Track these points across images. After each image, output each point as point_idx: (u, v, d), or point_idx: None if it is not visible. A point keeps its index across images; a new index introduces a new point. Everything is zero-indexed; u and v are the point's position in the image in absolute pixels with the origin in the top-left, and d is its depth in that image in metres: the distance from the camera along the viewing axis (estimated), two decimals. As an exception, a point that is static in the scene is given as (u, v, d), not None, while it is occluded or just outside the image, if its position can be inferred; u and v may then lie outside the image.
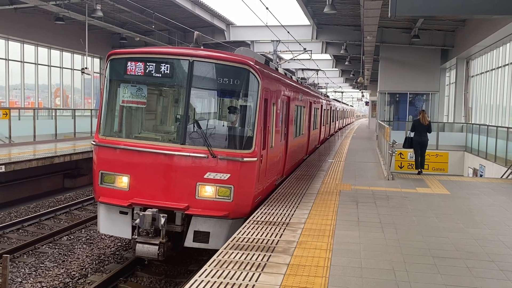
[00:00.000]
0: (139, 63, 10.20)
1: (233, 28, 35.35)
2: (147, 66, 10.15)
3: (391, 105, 37.45)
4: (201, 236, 9.87)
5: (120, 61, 10.43)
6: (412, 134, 16.99)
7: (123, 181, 10.22)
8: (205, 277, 6.42)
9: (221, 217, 9.78)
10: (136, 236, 9.72)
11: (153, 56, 10.28)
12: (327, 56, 48.28)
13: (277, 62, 28.48)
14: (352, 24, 31.10)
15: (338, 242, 8.20)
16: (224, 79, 9.98)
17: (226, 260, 7.08)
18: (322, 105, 27.36)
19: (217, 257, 7.23)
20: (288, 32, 29.12)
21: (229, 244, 7.87)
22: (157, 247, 9.51)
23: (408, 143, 17.06)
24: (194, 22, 31.82)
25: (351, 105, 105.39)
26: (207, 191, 9.83)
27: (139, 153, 10.09)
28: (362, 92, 77.79)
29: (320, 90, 51.07)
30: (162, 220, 9.39)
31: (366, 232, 8.93)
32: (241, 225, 9.29)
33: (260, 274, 6.57)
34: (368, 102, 73.16)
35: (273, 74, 12.26)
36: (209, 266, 6.84)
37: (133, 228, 9.94)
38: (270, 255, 7.37)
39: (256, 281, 6.33)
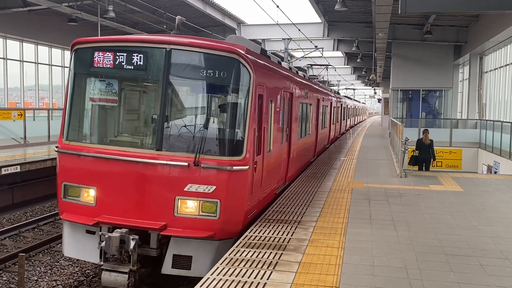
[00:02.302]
0: (107, 53, 8.68)
1: (244, 27, 35.36)
2: (117, 57, 8.62)
3: (403, 102, 37.32)
4: (181, 261, 8.39)
5: (86, 51, 8.87)
6: (416, 153, 18.76)
7: (90, 195, 8.74)
8: (217, 275, 6.45)
9: (205, 238, 8.28)
10: (102, 262, 8.32)
11: (124, 44, 8.73)
12: (338, 54, 48.15)
13: (289, 60, 28.43)
14: (364, 21, 30.96)
15: (350, 240, 8.20)
16: (208, 71, 8.35)
17: (238, 258, 7.11)
18: (331, 103, 26.39)
19: (229, 255, 7.25)
20: (299, 30, 29.07)
21: (240, 242, 7.90)
22: (126, 275, 8.12)
23: (413, 161, 18.68)
24: (205, 21, 31.87)
25: (363, 102, 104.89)
26: (189, 207, 8.32)
27: (107, 161, 8.59)
28: (374, 89, 77.59)
29: (332, 87, 50.88)
30: (132, 244, 7.98)
31: (378, 230, 8.91)
32: (230, 247, 7.90)
33: (272, 272, 6.59)
34: (380, 99, 72.87)
35: (271, 66, 10.73)
36: (221, 264, 6.87)
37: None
38: (282, 253, 7.39)
39: (268, 279, 6.35)
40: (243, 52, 8.51)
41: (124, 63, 8.61)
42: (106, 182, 8.61)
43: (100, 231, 8.42)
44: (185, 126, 8.65)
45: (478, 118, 30.81)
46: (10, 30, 28.15)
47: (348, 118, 44.05)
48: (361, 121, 75.85)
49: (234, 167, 8.28)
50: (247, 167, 8.44)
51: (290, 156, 13.10)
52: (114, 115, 9.38)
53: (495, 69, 29.66)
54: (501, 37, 24.84)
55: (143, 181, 8.43)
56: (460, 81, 37.82)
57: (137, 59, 8.56)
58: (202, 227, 8.27)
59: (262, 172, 9.65)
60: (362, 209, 10.50)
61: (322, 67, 35.47)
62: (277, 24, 27.24)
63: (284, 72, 12.38)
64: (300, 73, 17.74)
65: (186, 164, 8.22)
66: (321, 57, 35.37)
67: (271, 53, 14.68)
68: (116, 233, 7.98)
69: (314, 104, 18.53)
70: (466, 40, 31.58)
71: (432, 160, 18.52)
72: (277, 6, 22.84)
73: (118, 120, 9.43)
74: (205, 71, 8.38)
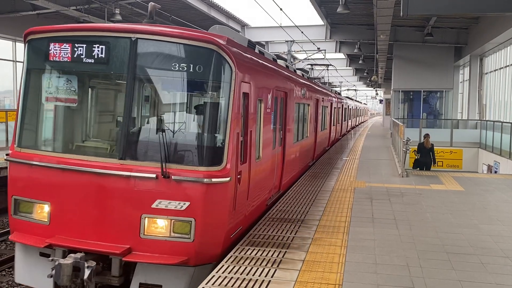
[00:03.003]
0: (65, 44, 7.37)
1: (248, 29, 35.52)
2: (76, 49, 7.31)
3: (405, 103, 37.45)
4: None
5: (41, 43, 7.63)
6: (417, 156, 19.08)
7: (43, 211, 7.44)
8: (222, 273, 6.54)
9: (177, 265, 7.02)
10: None
11: (83, 34, 7.42)
12: (341, 55, 48.26)
13: (292, 62, 28.50)
14: (365, 23, 31.07)
15: (352, 238, 8.29)
16: (182, 65, 7.06)
17: (242, 256, 7.21)
18: (332, 103, 25.58)
19: (234, 253, 7.35)
20: (302, 32, 29.18)
21: (245, 240, 7.99)
22: None
23: (416, 165, 19.07)
24: (210, 24, 31.83)
25: (364, 103, 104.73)
26: (158, 227, 7.05)
27: (62, 172, 7.30)
28: (376, 91, 77.59)
29: (334, 88, 50.90)
30: (87, 272, 6.69)
31: (381, 228, 9.01)
32: (209, 273, 6.78)
33: (276, 270, 6.69)
34: (382, 100, 72.94)
35: (260, 61, 9.52)
36: (226, 262, 6.97)
37: None
38: (286, 251, 7.48)
39: (272, 276, 6.44)
40: (223, 43, 7.23)
41: (83, 56, 7.31)
42: (61, 197, 7.32)
43: (54, 255, 7.17)
44: (155, 130, 7.27)
45: (478, 118, 30.90)
46: (19, 33, 28.29)
47: (349, 119, 43.86)
48: (363, 122, 75.81)
49: (212, 179, 7.00)
50: (227, 178, 7.16)
51: (285, 161, 12.02)
52: (73, 117, 8.10)
53: (495, 71, 29.75)
54: (501, 38, 24.94)
55: (103, 196, 7.16)
56: (461, 82, 37.91)
57: (98, 51, 7.26)
58: (174, 251, 7.00)
59: (249, 183, 8.42)
60: (364, 208, 10.60)
61: (323, 67, 35.44)
62: (281, 26, 27.35)
63: (277, 69, 11.27)
64: (298, 72, 17.12)
65: (154, 175, 6.95)
66: (323, 59, 35.49)
67: (275, 55, 14.38)
68: (68, 259, 6.73)
69: (313, 104, 17.71)
70: (466, 42, 31.68)
71: (432, 163, 18.81)
72: (281, 9, 22.96)
73: (78, 124, 8.17)
74: (177, 65, 7.07)
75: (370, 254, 7.51)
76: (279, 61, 13.22)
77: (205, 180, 6.97)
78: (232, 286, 6.10)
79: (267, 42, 37.06)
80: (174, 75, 7.19)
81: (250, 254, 7.33)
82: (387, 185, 13.76)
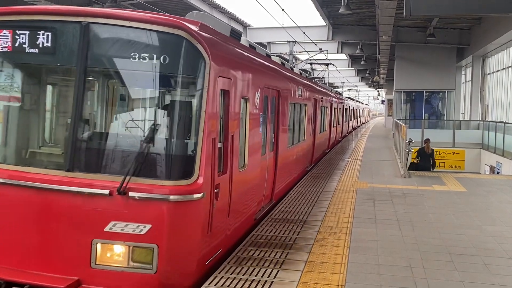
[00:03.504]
0: (4, 31, 6.12)
1: (250, 30, 35.57)
2: (17, 37, 6.07)
3: (407, 103, 37.47)
4: None
5: None
6: (417, 160, 19.18)
7: None
8: (225, 273, 6.52)
9: None
10: None
11: (26, 18, 6.15)
12: (343, 56, 48.32)
13: (293, 63, 28.50)
14: (368, 24, 31.09)
15: (355, 239, 8.27)
16: (143, 55, 5.84)
17: (245, 257, 7.19)
18: (332, 103, 24.58)
19: (236, 254, 7.33)
20: (304, 33, 29.22)
21: (247, 241, 7.98)
22: None
23: (414, 168, 18.92)
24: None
25: (366, 103, 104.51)
26: (113, 255, 5.86)
27: None
28: (378, 91, 77.63)
29: (337, 89, 50.87)
30: None
31: (383, 229, 9.00)
32: None
33: (278, 270, 6.67)
34: (384, 101, 72.94)
35: (245, 55, 8.38)
36: (228, 263, 6.95)
37: None
38: (288, 252, 7.47)
39: (274, 277, 6.42)
40: (194, 29, 6.07)
41: (26, 45, 6.06)
42: None
43: None
44: (109, 135, 6.31)
45: (480, 119, 30.91)
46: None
47: (351, 120, 43.55)
48: (364, 123, 75.75)
49: (179, 196, 5.76)
50: (199, 194, 5.89)
51: (278, 168, 10.84)
52: (15, 119, 6.68)
53: (497, 71, 29.75)
54: (503, 39, 24.94)
55: (48, 216, 5.92)
56: (463, 82, 37.92)
57: (43, 39, 6.01)
58: (133, 284, 5.85)
59: (230, 197, 7.18)
60: (367, 209, 10.59)
61: (323, 66, 35.32)
62: (283, 27, 27.41)
63: (268, 65, 10.14)
64: (296, 70, 16.31)
65: (107, 192, 5.73)
66: (325, 59, 35.55)
67: (276, 55, 14.19)
68: None
69: (311, 105, 16.63)
70: (468, 43, 31.68)
71: (432, 168, 19.03)
72: (283, 10, 23.00)
73: (20, 127, 6.73)
74: (137, 55, 5.84)
75: (372, 255, 7.49)
76: (274, 58, 12.26)
77: (171, 197, 5.70)
78: (234, 287, 6.08)
79: (269, 43, 37.16)
80: (133, 68, 5.93)
81: (252, 254, 7.32)
82: (390, 186, 13.75)
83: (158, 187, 5.73)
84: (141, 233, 5.73)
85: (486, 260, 7.42)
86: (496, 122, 25.68)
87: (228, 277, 6.39)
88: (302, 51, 32.69)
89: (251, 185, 8.57)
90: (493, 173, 23.40)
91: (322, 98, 19.87)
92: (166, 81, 6.10)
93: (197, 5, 27.16)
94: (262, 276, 6.45)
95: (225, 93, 6.90)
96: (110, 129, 6.28)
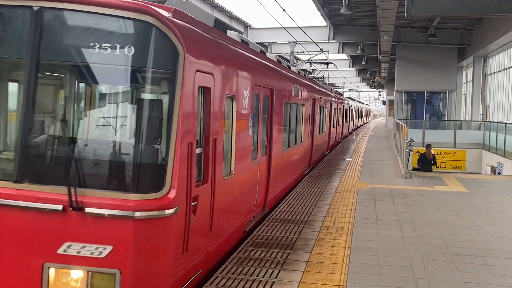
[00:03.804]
0: None
1: (251, 30, 35.64)
2: None
3: (408, 104, 37.47)
4: None
5: None
6: (419, 165, 19.38)
7: None
8: (226, 273, 6.53)
9: None
10: None
11: None
12: (343, 56, 48.33)
13: (295, 63, 28.48)
14: (369, 24, 31.09)
15: (356, 239, 8.28)
16: (104, 44, 4.96)
17: (246, 257, 7.20)
18: (331, 103, 23.93)
19: (237, 254, 7.34)
20: (305, 33, 29.23)
21: (248, 241, 7.99)
22: None
23: None
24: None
25: (367, 104, 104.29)
26: (69, 281, 4.98)
27: None
28: (379, 91, 77.63)
29: (337, 89, 50.84)
30: None
31: (384, 229, 9.00)
32: None
33: (280, 271, 6.67)
34: (385, 101, 72.96)
35: (232, 48, 7.50)
36: (229, 263, 6.96)
37: None
38: (290, 252, 7.47)
39: (276, 277, 6.43)
40: (165, 14, 5.19)
41: None
42: None
43: None
44: (65, 139, 5.20)
45: (481, 119, 30.90)
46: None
47: (351, 120, 43.35)
48: (365, 123, 75.70)
49: (147, 213, 4.87)
50: (172, 210, 5.01)
51: (272, 173, 10.05)
52: None
53: (498, 71, 29.75)
54: (504, 39, 24.93)
55: None
56: (464, 83, 37.90)
57: None
58: None
59: (212, 210, 6.32)
60: (368, 209, 10.59)
61: (323, 65, 35.21)
62: (284, 27, 27.42)
63: (260, 60, 9.28)
64: (294, 69, 15.60)
65: (60, 207, 4.83)
66: (326, 59, 35.60)
67: (278, 56, 13.45)
68: None
69: (309, 105, 15.93)
70: (469, 43, 31.67)
71: (433, 165, 19.24)
72: (284, 10, 23.02)
73: None
74: (97, 45, 4.96)
75: (374, 255, 7.50)
76: (269, 55, 11.47)
77: (137, 214, 4.80)
78: (235, 287, 6.09)
79: (270, 43, 37.16)
80: (94, 60, 5.03)
81: (253, 255, 7.32)
82: (391, 186, 13.76)
83: (121, 202, 4.81)
84: (101, 256, 4.82)
85: (487, 260, 7.42)
86: (497, 122, 25.67)
87: (229, 277, 6.39)
88: (303, 52, 32.70)
89: (239, 193, 7.80)
90: (494, 173, 23.40)
91: (321, 98, 19.36)
92: (132, 76, 5.09)
93: (199, 7, 27.20)
94: (263, 277, 6.46)
95: (206, 90, 6.07)
96: (66, 132, 5.20)
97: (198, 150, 5.81)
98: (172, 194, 5.00)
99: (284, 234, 8.46)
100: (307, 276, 6.53)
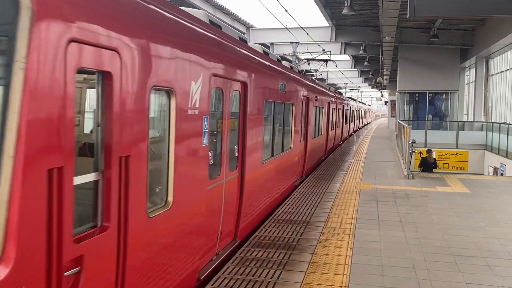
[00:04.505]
0: None
1: (253, 30, 35.65)
2: None
3: (410, 104, 37.44)
4: None
5: None
6: (420, 169, 19.42)
7: None
8: (228, 274, 6.53)
9: None
10: None
11: None
12: (346, 57, 48.36)
13: (296, 63, 28.45)
14: (371, 24, 31.08)
15: (358, 240, 8.27)
16: None
17: (248, 258, 7.19)
18: (329, 103, 22.06)
19: (239, 254, 7.34)
20: (307, 33, 29.23)
21: (251, 242, 7.98)
22: None
23: None
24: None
25: (368, 104, 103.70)
26: None
27: None
28: (381, 92, 77.59)
29: (339, 90, 50.79)
30: None
31: (387, 230, 8.99)
32: None
33: (281, 271, 6.67)
34: (387, 102, 72.91)
35: (167, 16, 4.98)
36: (231, 263, 6.95)
37: None
38: (291, 253, 7.47)
39: (278, 278, 6.43)
40: None
41: None
42: None
43: None
44: None
45: (484, 120, 30.86)
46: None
47: (352, 122, 42.50)
48: (367, 124, 75.51)
49: None
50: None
51: (245, 193, 8.15)
52: None
53: (501, 72, 29.71)
54: (506, 40, 24.90)
55: None
56: (466, 84, 37.85)
57: None
58: None
59: (122, 270, 4.20)
60: (370, 210, 10.58)
61: (321, 63, 34.73)
62: (286, 28, 27.42)
63: (226, 43, 7.06)
64: (285, 63, 13.66)
65: None
66: (328, 60, 35.59)
67: (280, 56, 12.79)
68: None
69: (301, 104, 13.89)
70: (472, 44, 31.66)
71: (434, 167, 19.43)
72: (286, 10, 23.00)
73: None
74: None
75: (376, 256, 7.49)
76: (253, 45, 9.75)
77: None
78: (238, 287, 6.09)
79: (272, 44, 37.15)
80: None
81: (255, 255, 7.32)
82: (393, 187, 13.74)
83: None
84: None
85: (489, 261, 7.40)
86: (499, 123, 25.63)
87: (231, 278, 6.39)
88: (305, 52, 32.69)
89: (185, 232, 5.60)
90: (497, 174, 23.36)
91: (316, 96, 17.07)
92: None
93: (199, 5, 27.20)
94: (265, 277, 6.45)
95: (104, 77, 3.88)
96: None
97: (79, 180, 3.63)
98: (5, 266, 2.89)
99: (286, 235, 8.45)
100: (309, 276, 6.52)
